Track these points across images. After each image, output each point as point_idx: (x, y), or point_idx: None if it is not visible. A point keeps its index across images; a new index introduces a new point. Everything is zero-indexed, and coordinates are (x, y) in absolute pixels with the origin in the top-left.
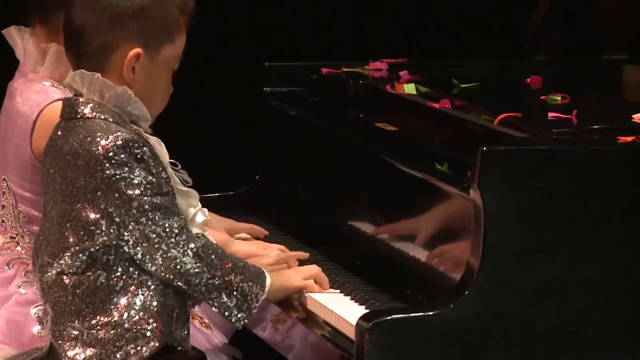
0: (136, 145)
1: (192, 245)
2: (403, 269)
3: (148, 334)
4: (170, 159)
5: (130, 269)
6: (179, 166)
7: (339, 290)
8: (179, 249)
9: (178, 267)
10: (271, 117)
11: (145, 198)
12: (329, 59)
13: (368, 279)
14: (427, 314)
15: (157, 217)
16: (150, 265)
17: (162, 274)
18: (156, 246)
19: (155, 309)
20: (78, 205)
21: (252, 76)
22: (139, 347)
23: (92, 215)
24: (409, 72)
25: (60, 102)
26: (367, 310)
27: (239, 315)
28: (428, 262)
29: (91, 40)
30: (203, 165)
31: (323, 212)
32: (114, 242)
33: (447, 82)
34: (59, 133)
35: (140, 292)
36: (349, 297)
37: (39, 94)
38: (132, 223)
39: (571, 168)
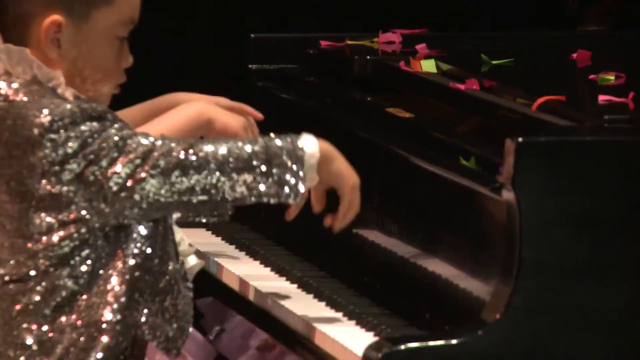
0: (83, 109)
1: (149, 158)
2: (420, 287)
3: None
4: None
5: (98, 255)
6: None
7: (341, 314)
8: (134, 175)
9: (150, 198)
10: (258, 100)
11: (69, 139)
12: (330, 29)
13: (377, 299)
14: (449, 342)
15: (88, 155)
16: (126, 217)
17: (143, 216)
18: (106, 193)
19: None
20: (31, 208)
21: (234, 51)
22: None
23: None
24: (427, 46)
25: None
26: (377, 338)
27: (288, 189)
28: (451, 279)
29: (6, 8)
30: None
31: (322, 217)
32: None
33: (475, 58)
34: None
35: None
36: (354, 322)
37: None
38: (72, 186)
39: (628, 164)
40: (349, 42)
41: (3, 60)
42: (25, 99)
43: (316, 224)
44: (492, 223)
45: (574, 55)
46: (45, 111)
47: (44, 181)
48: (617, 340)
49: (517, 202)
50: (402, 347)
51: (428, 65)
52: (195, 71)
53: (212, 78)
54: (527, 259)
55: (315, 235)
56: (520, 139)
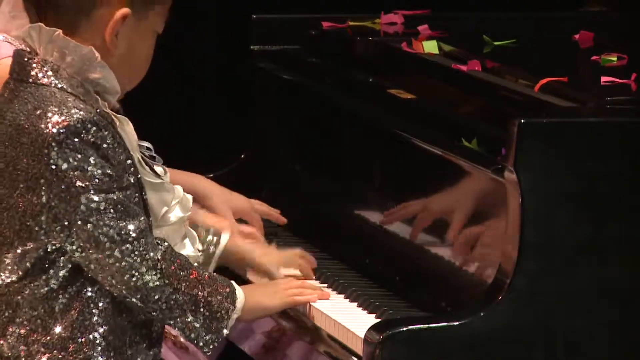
0: (95, 127)
1: (152, 254)
2: (422, 269)
3: None
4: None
5: (77, 278)
6: (152, 150)
7: (343, 296)
8: (135, 258)
9: (134, 279)
10: (260, 81)
11: (100, 194)
12: (332, 10)
13: (379, 281)
14: (451, 324)
15: (110, 217)
16: (100, 275)
17: (115, 287)
18: (107, 252)
19: (105, 331)
20: (17, 192)
21: (236, 32)
22: None
23: (31, 208)
24: (429, 27)
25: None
26: (379, 320)
27: (207, 338)
28: (453, 261)
29: None
30: (174, 141)
31: (324, 199)
32: (57, 245)
33: (477, 39)
34: (5, 95)
35: (88, 309)
36: (355, 304)
37: None
38: (79, 222)
39: (630, 145)
40: (350, 23)
41: (32, 39)
42: (53, 87)
43: (318, 208)
44: (494, 204)
45: (577, 36)
46: (66, 113)
47: (35, 177)
48: (618, 320)
49: (519, 183)
50: (404, 328)
51: (430, 47)
52: (196, 52)
53: (213, 59)
54: (529, 240)
55: (317, 218)
56: (522, 120)
